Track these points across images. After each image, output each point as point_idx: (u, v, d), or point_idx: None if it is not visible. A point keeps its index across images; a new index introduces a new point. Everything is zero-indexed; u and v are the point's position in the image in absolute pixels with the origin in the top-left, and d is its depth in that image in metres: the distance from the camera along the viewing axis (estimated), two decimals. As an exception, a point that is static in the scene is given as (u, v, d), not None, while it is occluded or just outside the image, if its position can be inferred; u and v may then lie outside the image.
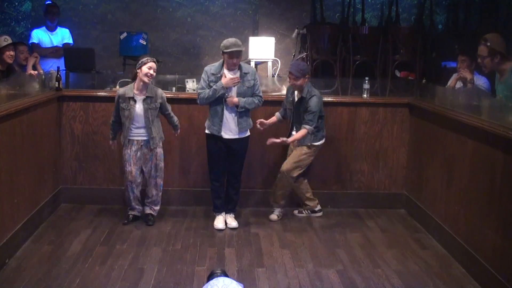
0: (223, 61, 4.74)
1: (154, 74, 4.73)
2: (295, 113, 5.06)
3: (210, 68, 4.78)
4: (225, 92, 4.69)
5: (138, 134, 4.81)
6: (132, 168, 4.84)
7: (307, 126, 4.91)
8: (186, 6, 8.48)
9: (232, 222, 4.99)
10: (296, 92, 5.04)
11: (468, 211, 4.25)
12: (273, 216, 5.24)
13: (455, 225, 4.46)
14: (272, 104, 5.33)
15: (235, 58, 4.65)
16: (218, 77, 4.71)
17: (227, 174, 5.01)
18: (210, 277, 2.92)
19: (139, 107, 4.75)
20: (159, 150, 4.90)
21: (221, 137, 4.79)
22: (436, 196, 4.86)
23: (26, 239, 4.49)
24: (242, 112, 4.79)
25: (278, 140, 4.88)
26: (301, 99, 4.97)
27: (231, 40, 4.64)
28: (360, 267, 4.24)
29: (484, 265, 3.91)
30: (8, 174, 4.15)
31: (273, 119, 5.18)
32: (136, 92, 4.75)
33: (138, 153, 4.83)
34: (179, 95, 5.48)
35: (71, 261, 4.18)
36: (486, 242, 3.94)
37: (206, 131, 4.88)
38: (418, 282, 4.02)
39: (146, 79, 4.67)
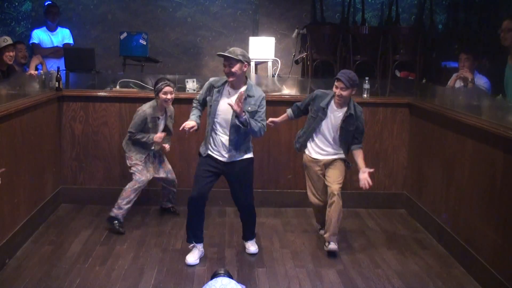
0: None
1: (173, 95, 4.74)
2: (341, 133, 4.40)
3: (215, 80, 4.20)
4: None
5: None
6: (147, 173, 4.86)
7: (361, 146, 4.46)
8: (186, 6, 8.48)
9: (251, 247, 4.44)
10: (333, 104, 4.39)
11: (468, 211, 4.25)
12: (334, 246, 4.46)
13: (455, 225, 4.46)
14: (273, 104, 5.31)
15: (226, 67, 4.00)
16: (218, 93, 4.11)
17: (237, 207, 4.38)
18: (214, 277, 2.93)
19: (162, 125, 4.87)
20: (169, 165, 5.12)
21: (215, 159, 4.16)
22: (436, 196, 4.86)
23: (26, 239, 4.50)
24: (239, 134, 4.09)
25: (368, 179, 4.25)
26: (349, 116, 4.34)
27: (238, 50, 4.05)
28: (360, 267, 4.24)
29: (484, 265, 3.91)
30: (8, 174, 4.14)
31: (284, 117, 4.68)
32: (159, 112, 4.81)
33: (151, 160, 4.95)
34: (179, 95, 5.47)
35: (71, 261, 4.18)
36: (486, 242, 3.94)
37: (201, 151, 4.30)
38: (418, 282, 4.02)
39: (166, 105, 4.77)
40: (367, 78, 5.60)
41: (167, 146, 4.88)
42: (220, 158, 4.15)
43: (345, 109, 4.35)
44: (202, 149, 4.24)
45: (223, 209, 5.34)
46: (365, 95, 5.54)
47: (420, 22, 8.55)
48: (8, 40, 5.67)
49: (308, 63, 7.59)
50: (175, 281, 3.92)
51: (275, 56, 6.71)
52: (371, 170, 4.30)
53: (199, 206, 4.18)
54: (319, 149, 4.50)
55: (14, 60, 5.86)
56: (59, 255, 4.27)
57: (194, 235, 4.25)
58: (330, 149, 4.48)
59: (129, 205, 4.81)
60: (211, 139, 4.16)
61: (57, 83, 5.33)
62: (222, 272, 2.97)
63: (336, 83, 4.31)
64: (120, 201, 4.79)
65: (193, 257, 4.21)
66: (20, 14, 8.39)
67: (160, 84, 4.68)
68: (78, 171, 5.45)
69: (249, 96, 4.06)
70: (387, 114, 5.54)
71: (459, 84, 5.47)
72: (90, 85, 6.14)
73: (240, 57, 3.97)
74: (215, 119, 4.11)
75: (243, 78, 4.09)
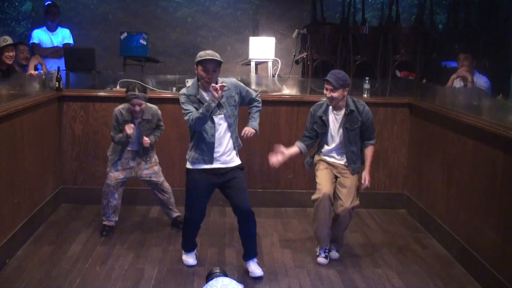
0: (198, 80, 3.95)
1: (142, 106, 4.46)
2: (345, 133, 4.18)
3: (187, 90, 3.96)
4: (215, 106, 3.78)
5: (132, 146, 4.62)
6: (119, 174, 4.63)
7: (374, 142, 4.26)
8: (186, 6, 8.49)
9: (257, 270, 4.00)
10: (331, 110, 4.21)
11: (468, 211, 4.25)
12: (322, 260, 4.29)
13: (455, 225, 4.46)
14: (273, 104, 5.33)
15: (210, 72, 3.82)
16: (197, 98, 3.88)
17: (237, 214, 3.99)
18: (209, 276, 2.93)
19: (135, 130, 4.53)
20: (156, 168, 4.74)
21: (211, 169, 3.93)
22: (436, 196, 4.86)
23: (26, 239, 4.49)
24: (233, 131, 3.96)
25: (367, 183, 4.18)
26: (350, 114, 4.15)
27: (208, 51, 3.90)
28: (360, 267, 4.24)
29: (484, 265, 3.91)
30: (9, 174, 4.15)
31: (295, 150, 4.28)
32: (130, 115, 4.54)
33: (130, 162, 4.65)
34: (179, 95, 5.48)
35: (72, 261, 4.18)
36: (486, 242, 3.94)
37: (188, 166, 3.99)
38: (418, 282, 4.02)
39: (135, 115, 4.50)
40: (367, 78, 5.60)
41: (146, 139, 4.52)
42: (215, 166, 3.93)
43: (343, 109, 4.18)
44: (203, 161, 3.93)
45: (223, 209, 5.33)
46: (365, 95, 5.54)
47: (421, 22, 8.56)
48: (8, 40, 5.68)
49: (308, 63, 7.60)
50: (175, 281, 3.92)
51: (275, 56, 6.71)
52: (367, 179, 4.18)
53: (196, 225, 4.14)
54: (330, 158, 4.29)
55: (15, 60, 5.87)
56: (59, 255, 4.27)
57: (191, 247, 4.21)
58: (339, 157, 4.26)
59: (108, 210, 4.69)
60: (202, 146, 3.91)
61: (57, 83, 5.33)
62: (217, 271, 2.97)
63: (325, 85, 4.10)
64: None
65: (191, 258, 4.18)
66: (20, 14, 8.39)
67: (128, 94, 4.42)
68: (78, 171, 5.45)
69: (225, 90, 3.86)
70: (387, 114, 5.54)
71: (459, 84, 5.48)
72: (90, 85, 6.14)
73: (220, 60, 3.88)
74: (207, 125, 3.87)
75: None
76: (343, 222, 4.25)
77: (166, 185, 4.84)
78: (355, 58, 7.43)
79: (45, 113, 4.96)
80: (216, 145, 3.91)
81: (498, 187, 3.79)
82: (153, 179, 4.74)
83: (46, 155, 5.01)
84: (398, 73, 7.57)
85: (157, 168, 4.77)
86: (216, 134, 3.90)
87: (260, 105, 4.15)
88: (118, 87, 5.73)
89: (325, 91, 4.14)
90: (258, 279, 3.96)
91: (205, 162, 3.93)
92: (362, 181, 4.20)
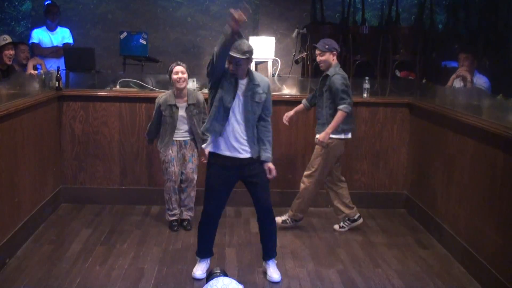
0: None
1: (185, 75, 4.56)
2: (318, 94, 4.69)
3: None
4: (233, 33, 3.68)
5: (180, 134, 4.71)
6: (175, 169, 4.72)
7: (341, 106, 4.48)
8: (186, 6, 8.48)
9: (274, 274, 3.94)
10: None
11: (468, 211, 4.25)
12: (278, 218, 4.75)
13: (455, 225, 4.46)
14: (273, 104, 5.28)
15: (233, 65, 3.67)
16: (228, 73, 3.71)
17: (258, 211, 3.91)
18: (210, 277, 2.92)
19: (182, 115, 4.64)
20: (196, 163, 4.82)
21: (231, 164, 3.75)
22: (436, 196, 4.86)
23: (26, 238, 4.49)
24: (253, 127, 3.76)
25: (317, 141, 4.61)
26: (325, 77, 4.57)
27: (242, 44, 3.71)
28: (360, 267, 4.24)
29: (484, 264, 3.92)
30: (9, 173, 4.15)
31: (300, 107, 4.88)
32: (177, 99, 4.64)
33: (179, 154, 4.74)
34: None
35: (72, 260, 4.18)
36: (486, 242, 3.94)
37: (209, 149, 3.81)
38: (418, 282, 4.02)
39: (179, 85, 4.57)
40: (367, 78, 5.60)
41: (202, 159, 4.26)
42: (240, 156, 3.72)
43: None
44: (212, 148, 3.77)
45: (224, 209, 5.33)
46: (365, 95, 5.54)
47: (420, 22, 8.55)
48: (8, 39, 5.67)
49: (308, 63, 7.60)
50: (175, 281, 3.92)
51: (275, 56, 6.71)
52: (319, 138, 4.60)
53: (214, 222, 3.95)
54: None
55: (15, 60, 5.86)
56: (59, 255, 4.28)
57: (206, 250, 4.01)
58: (319, 122, 4.71)
59: (169, 205, 4.85)
60: (225, 136, 3.71)
61: (57, 82, 5.33)
62: (218, 271, 2.97)
63: (316, 52, 4.61)
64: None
65: (200, 270, 3.96)
66: (20, 13, 8.38)
67: (171, 66, 4.59)
68: (78, 171, 5.45)
69: (254, 85, 3.69)
70: (387, 114, 5.54)
71: (458, 83, 5.48)
72: (90, 84, 6.14)
73: (247, 55, 3.62)
74: (232, 116, 3.69)
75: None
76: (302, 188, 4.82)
77: (191, 179, 4.88)
78: (355, 58, 7.43)
79: (45, 113, 4.96)
80: (230, 132, 3.71)
81: (498, 187, 3.79)
82: (194, 175, 4.83)
83: (46, 155, 5.00)
84: (398, 73, 7.56)
85: (196, 163, 4.82)
86: (228, 128, 3.70)
87: (270, 131, 3.84)
88: (118, 86, 5.73)
89: (316, 58, 4.66)
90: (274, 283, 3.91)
91: (215, 149, 3.76)
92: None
